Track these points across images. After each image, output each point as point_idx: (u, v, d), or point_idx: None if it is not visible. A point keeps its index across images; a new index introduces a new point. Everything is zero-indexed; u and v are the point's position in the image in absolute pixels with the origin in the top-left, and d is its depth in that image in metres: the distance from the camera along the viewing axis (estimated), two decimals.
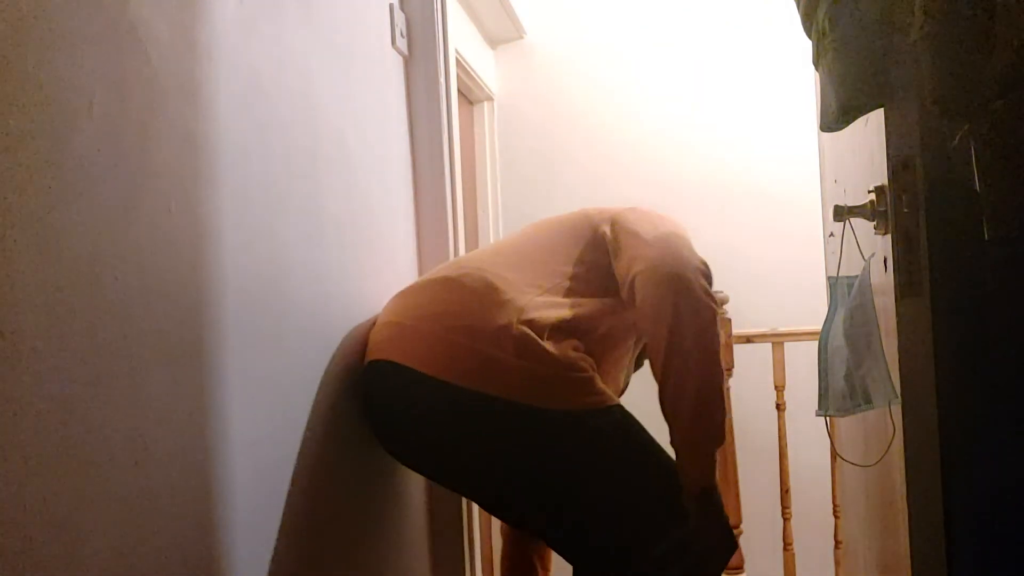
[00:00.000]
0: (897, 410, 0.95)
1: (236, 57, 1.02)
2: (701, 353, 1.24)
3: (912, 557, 0.89)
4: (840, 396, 1.04)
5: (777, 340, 2.34)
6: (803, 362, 2.55)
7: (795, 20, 1.15)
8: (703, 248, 1.36)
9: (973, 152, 0.73)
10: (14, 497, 0.65)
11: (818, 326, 1.17)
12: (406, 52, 1.75)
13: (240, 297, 1.00)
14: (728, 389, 2.23)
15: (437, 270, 1.42)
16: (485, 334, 1.22)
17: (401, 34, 1.71)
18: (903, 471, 0.91)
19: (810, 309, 2.62)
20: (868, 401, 0.99)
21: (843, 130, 1.03)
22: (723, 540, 1.32)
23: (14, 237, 0.66)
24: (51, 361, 0.69)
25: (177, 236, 0.88)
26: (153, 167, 0.84)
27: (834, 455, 2.09)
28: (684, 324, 1.23)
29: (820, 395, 1.11)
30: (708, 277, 1.30)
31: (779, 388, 2.34)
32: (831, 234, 1.41)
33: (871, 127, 1.00)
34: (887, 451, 1.00)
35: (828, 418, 1.15)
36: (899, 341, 0.91)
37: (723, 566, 1.32)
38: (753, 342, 2.35)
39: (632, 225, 1.35)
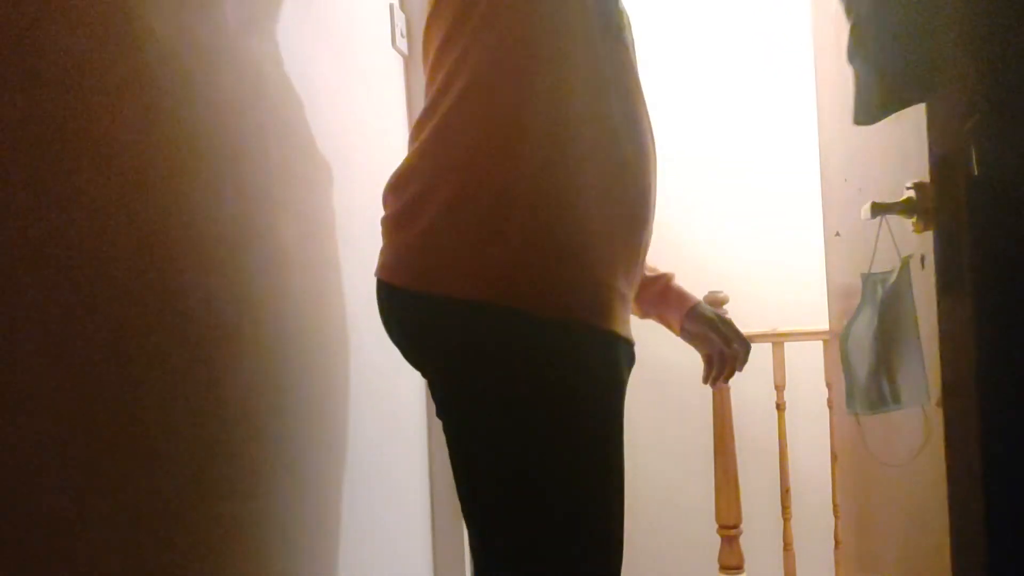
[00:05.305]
0: (931, 411, 0.94)
1: (236, 57, 1.01)
2: None
3: (953, 561, 0.87)
4: (868, 395, 1.03)
5: (777, 340, 2.33)
6: (803, 362, 2.55)
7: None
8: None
9: (1017, 150, 0.72)
10: (13, 499, 0.63)
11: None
12: (406, 52, 1.74)
13: (238, 297, 0.99)
14: (728, 389, 2.22)
15: None
16: None
17: (401, 34, 1.70)
18: (942, 473, 0.89)
19: (810, 309, 2.62)
20: (898, 401, 0.97)
21: (855, 128, 1.02)
22: None
23: (12, 238, 0.65)
24: (50, 363, 0.68)
25: (176, 237, 0.87)
26: (152, 167, 0.83)
27: (834, 455, 2.09)
28: None
29: (847, 394, 1.10)
30: None
31: (779, 388, 2.33)
32: (836, 233, 1.40)
33: (903, 124, 0.98)
34: (919, 452, 0.98)
35: (856, 416, 1.13)
36: (940, 341, 0.89)
37: None
38: (753, 342, 2.34)
39: None
